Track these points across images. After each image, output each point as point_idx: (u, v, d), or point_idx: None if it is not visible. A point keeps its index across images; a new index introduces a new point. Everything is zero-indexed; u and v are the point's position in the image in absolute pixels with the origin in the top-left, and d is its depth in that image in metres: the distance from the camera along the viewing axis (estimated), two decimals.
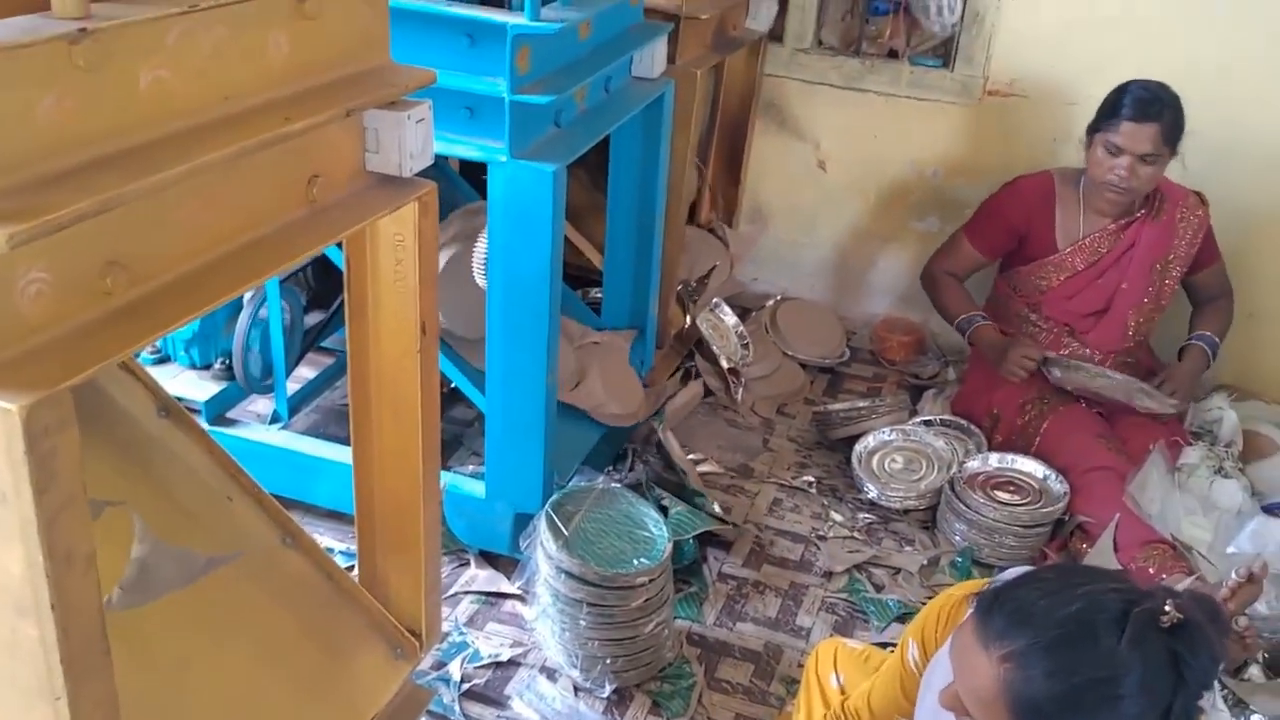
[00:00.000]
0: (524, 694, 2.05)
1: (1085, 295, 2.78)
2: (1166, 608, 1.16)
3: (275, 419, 2.53)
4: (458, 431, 2.82)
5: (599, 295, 2.85)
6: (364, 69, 1.36)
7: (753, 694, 2.11)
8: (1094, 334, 2.80)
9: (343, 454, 2.19)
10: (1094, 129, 2.65)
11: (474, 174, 2.71)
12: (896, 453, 2.79)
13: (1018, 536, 2.48)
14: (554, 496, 2.15)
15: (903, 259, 3.48)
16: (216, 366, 2.50)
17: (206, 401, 2.43)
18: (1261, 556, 2.22)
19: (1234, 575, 2.03)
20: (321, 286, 2.81)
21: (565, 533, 2.06)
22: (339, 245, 1.48)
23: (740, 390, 3.07)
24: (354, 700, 1.68)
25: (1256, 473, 2.76)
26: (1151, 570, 2.33)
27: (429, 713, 1.94)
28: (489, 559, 2.36)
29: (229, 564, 1.61)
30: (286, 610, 1.67)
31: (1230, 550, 2.43)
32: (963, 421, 2.88)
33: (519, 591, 2.25)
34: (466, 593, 2.28)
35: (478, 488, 2.30)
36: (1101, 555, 2.38)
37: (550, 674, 2.09)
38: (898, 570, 2.47)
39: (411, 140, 1.39)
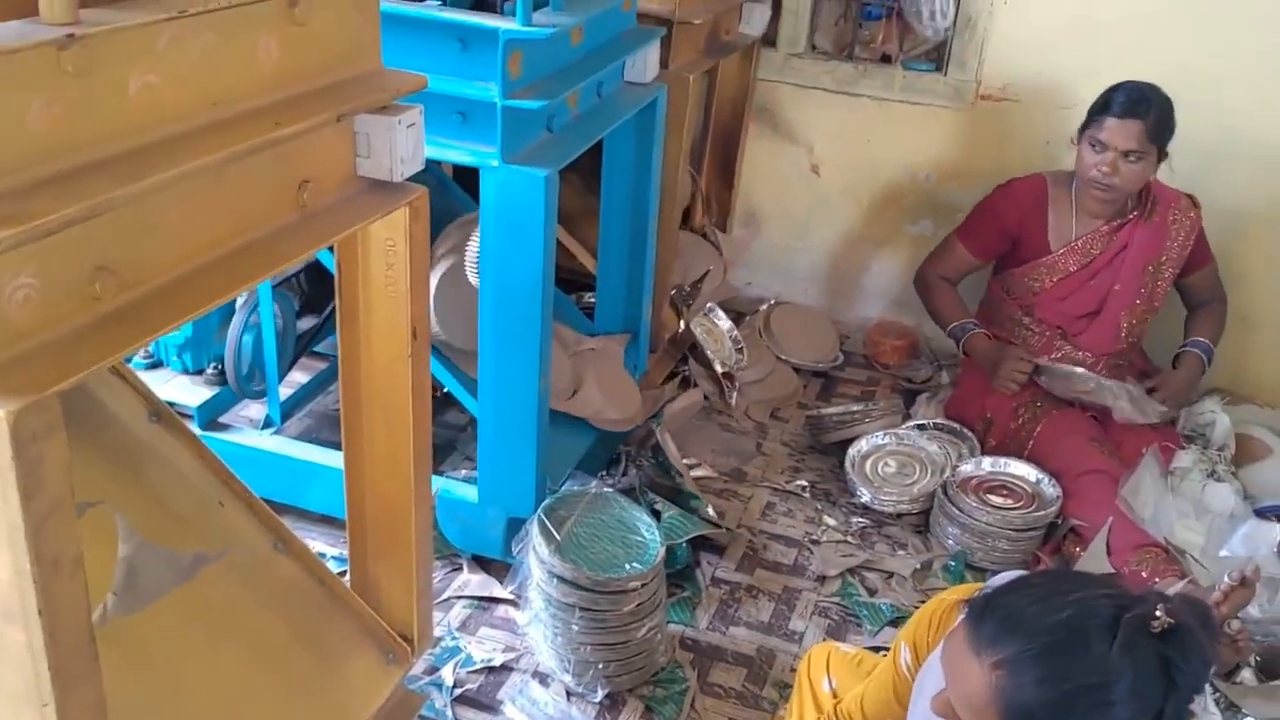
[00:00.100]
0: (516, 699, 2.04)
1: (1078, 297, 2.78)
2: (1157, 613, 1.16)
3: (268, 424, 2.53)
4: (451, 436, 2.82)
5: (593, 300, 2.85)
6: (355, 74, 1.36)
7: (745, 699, 2.11)
8: (1086, 336, 2.81)
9: (335, 459, 2.17)
10: (1083, 128, 2.67)
11: (468, 179, 2.71)
12: (890, 457, 2.79)
13: (1011, 540, 2.49)
14: (546, 501, 2.15)
15: (896, 263, 3.48)
16: (209, 371, 2.50)
17: (199, 406, 2.43)
18: (1254, 560, 2.23)
19: (1226, 579, 2.04)
20: (314, 291, 2.81)
21: (557, 537, 2.06)
22: (331, 250, 1.48)
23: (734, 394, 3.07)
24: (345, 705, 1.68)
25: (1249, 476, 2.77)
26: (1144, 574, 2.33)
27: (421, 718, 1.93)
28: (481, 563, 2.36)
29: (220, 569, 1.61)
30: (278, 615, 1.66)
31: (1223, 554, 2.43)
32: (956, 425, 2.88)
33: (511, 596, 2.25)
34: (459, 597, 2.28)
35: (470, 492, 2.30)
36: (1094, 559, 2.38)
37: (543, 679, 2.09)
38: (891, 574, 2.47)
39: (402, 145, 1.39)
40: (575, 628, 2.01)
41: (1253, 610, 2.24)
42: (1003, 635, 1.18)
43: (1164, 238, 2.75)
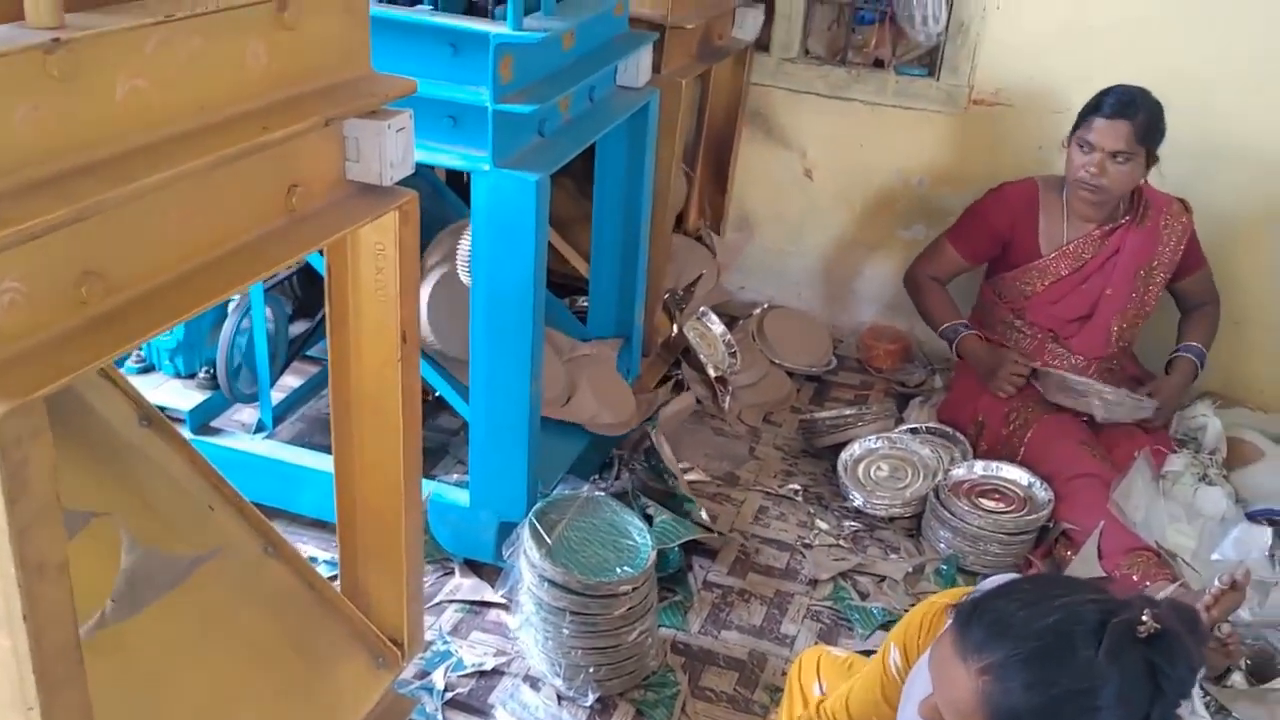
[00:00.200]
0: (507, 703, 2.04)
1: (1069, 301, 2.79)
2: (1144, 618, 1.16)
3: (260, 428, 2.52)
4: (443, 440, 2.82)
5: (586, 304, 2.85)
6: (344, 78, 1.36)
7: (736, 702, 2.11)
8: (1077, 340, 2.81)
9: (327, 463, 2.17)
10: (1073, 130, 2.68)
11: (462, 184, 2.71)
12: (882, 460, 2.79)
13: (1002, 544, 2.49)
14: (537, 505, 2.15)
15: (889, 267, 3.48)
16: (201, 375, 2.49)
17: (191, 410, 2.43)
18: (1244, 563, 2.23)
19: (1216, 582, 2.04)
20: (307, 295, 2.82)
21: (548, 541, 2.06)
22: (322, 254, 1.49)
23: (727, 398, 3.08)
24: (335, 709, 1.68)
25: (1241, 479, 2.77)
26: (1135, 577, 2.34)
27: None
28: (473, 567, 2.36)
29: (210, 574, 1.61)
30: (267, 620, 1.66)
31: (1214, 557, 2.44)
32: (948, 429, 2.89)
33: (503, 600, 2.25)
34: (451, 601, 2.28)
35: (462, 496, 2.30)
36: (1086, 562, 2.39)
37: (534, 683, 2.09)
38: (883, 578, 2.47)
39: (392, 149, 1.39)
40: (566, 631, 2.01)
41: (1243, 614, 2.24)
42: (989, 640, 1.18)
43: (1156, 242, 2.76)
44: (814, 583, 2.44)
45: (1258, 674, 2.16)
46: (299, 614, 1.70)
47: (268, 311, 2.40)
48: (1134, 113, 2.58)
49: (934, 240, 3.01)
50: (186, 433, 2.39)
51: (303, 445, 2.56)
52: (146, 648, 1.49)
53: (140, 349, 2.50)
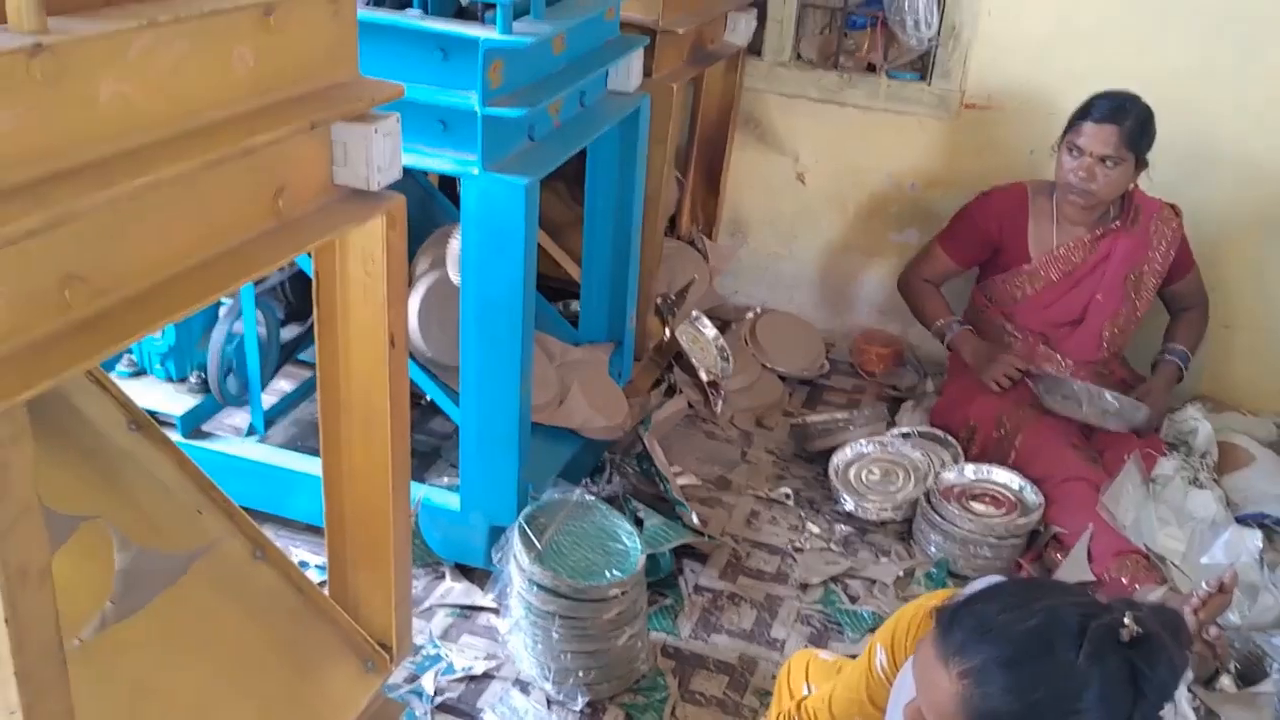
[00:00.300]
0: (497, 707, 2.04)
1: (1060, 305, 2.80)
2: (1125, 621, 1.17)
3: (251, 432, 2.52)
4: (436, 444, 2.82)
5: (579, 308, 2.85)
6: (331, 83, 1.36)
7: (726, 706, 2.11)
8: (1068, 344, 2.82)
9: (318, 467, 2.17)
10: (1063, 134, 2.69)
11: (454, 189, 2.71)
12: (874, 464, 2.79)
13: (992, 548, 2.49)
14: (527, 509, 2.15)
15: (882, 271, 3.49)
16: (192, 380, 2.49)
17: (182, 415, 2.43)
18: (1232, 567, 2.23)
19: (1204, 585, 2.05)
20: (299, 299, 2.81)
21: (538, 545, 2.06)
22: (311, 257, 1.49)
23: (719, 402, 3.08)
24: (324, 714, 1.67)
25: (1232, 483, 2.78)
26: (1125, 580, 2.34)
27: None
28: (464, 571, 2.36)
29: (198, 578, 1.61)
30: (256, 624, 1.66)
31: (1204, 560, 2.44)
32: (940, 433, 2.89)
33: (493, 604, 2.25)
34: (441, 605, 2.28)
35: (453, 500, 2.30)
36: (1075, 566, 2.39)
37: (523, 687, 2.09)
38: (873, 582, 2.47)
39: (379, 153, 1.39)
40: (556, 635, 2.01)
41: (1232, 617, 2.25)
42: (970, 643, 1.19)
43: (1146, 247, 2.76)
44: (804, 586, 2.45)
45: (1246, 677, 2.16)
46: (287, 618, 1.70)
47: (259, 315, 2.40)
48: (1123, 118, 2.60)
49: (926, 245, 3.03)
50: (178, 437, 2.39)
51: (295, 449, 2.56)
52: (133, 652, 1.48)
53: (132, 353, 2.50)
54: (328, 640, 1.72)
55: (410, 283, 2.38)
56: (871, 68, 3.32)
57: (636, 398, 2.86)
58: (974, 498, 2.61)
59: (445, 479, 2.61)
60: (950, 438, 2.86)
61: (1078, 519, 2.48)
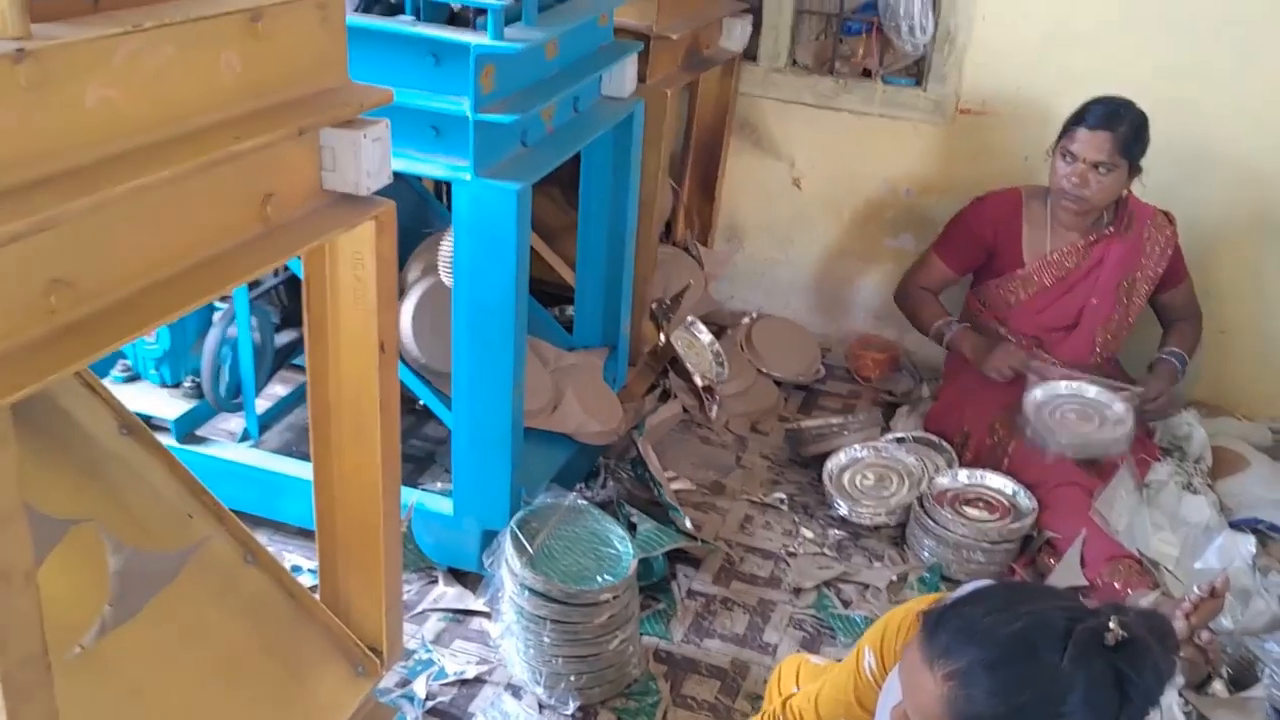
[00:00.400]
0: (488, 711, 2.05)
1: (1053, 310, 2.80)
2: (1110, 625, 1.17)
3: (245, 437, 2.53)
4: (431, 449, 2.83)
5: (574, 313, 2.85)
6: (319, 88, 1.37)
7: (718, 711, 2.11)
8: (1061, 348, 2.82)
9: (311, 472, 2.18)
10: (1058, 140, 2.69)
11: (450, 195, 2.71)
12: (868, 469, 2.79)
13: (985, 552, 2.49)
14: (519, 513, 2.15)
15: (877, 277, 3.50)
16: (187, 385, 2.50)
17: (176, 419, 2.43)
18: (1224, 572, 2.24)
19: (1195, 590, 2.05)
20: (294, 304, 2.81)
21: (530, 549, 2.06)
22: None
23: (714, 408, 3.08)
24: (314, 718, 1.67)
25: (1226, 488, 2.78)
26: (1117, 585, 2.34)
27: None
28: (457, 576, 2.36)
29: (188, 582, 1.61)
30: (247, 628, 1.67)
31: (1198, 565, 2.44)
32: (934, 438, 2.89)
33: (485, 609, 2.25)
34: (434, 610, 2.28)
35: (446, 505, 2.30)
36: (1068, 570, 2.39)
37: (515, 691, 2.09)
38: (866, 586, 2.47)
39: (368, 159, 1.40)
40: (547, 640, 2.01)
41: (1225, 621, 2.25)
42: (955, 646, 1.19)
43: (1139, 254, 2.77)
44: (797, 591, 2.45)
45: (1238, 682, 2.16)
46: (278, 622, 1.70)
47: (253, 320, 2.40)
48: (1117, 124, 2.60)
49: (921, 255, 3.03)
50: (172, 442, 2.39)
51: (290, 454, 2.57)
52: (124, 656, 1.49)
53: (126, 358, 2.50)
54: (318, 644, 1.72)
55: (404, 289, 2.38)
56: (867, 73, 3.33)
57: (631, 403, 2.87)
58: (967, 502, 2.62)
59: (439, 484, 2.61)
60: (944, 443, 2.86)
61: (1071, 524, 2.48)
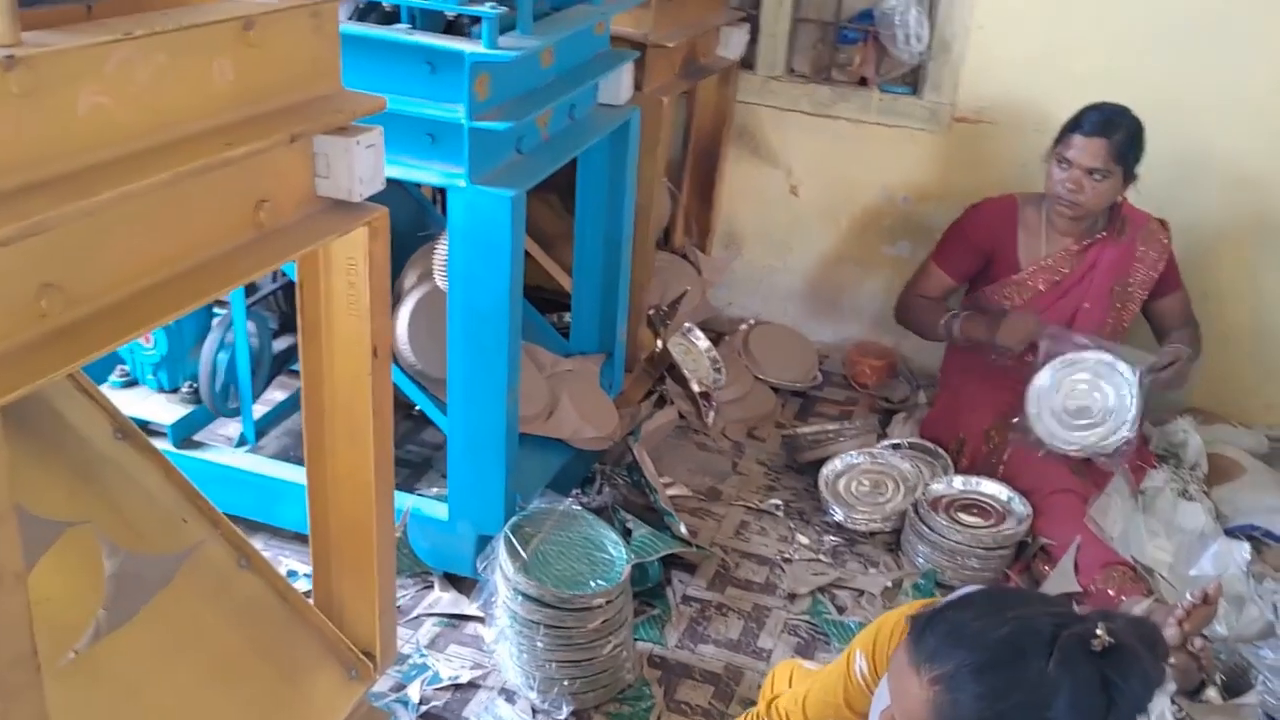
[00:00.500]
0: (482, 716, 2.05)
1: (1048, 316, 2.79)
2: (1097, 631, 1.17)
3: (242, 442, 2.53)
4: (428, 455, 2.83)
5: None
6: (313, 95, 1.38)
7: (711, 716, 2.11)
8: None
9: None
10: (1054, 146, 2.70)
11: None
12: (863, 476, 2.80)
13: (980, 558, 2.50)
14: (513, 518, 2.16)
15: (875, 284, 3.50)
16: (184, 390, 2.50)
17: (173, 424, 2.44)
18: (1217, 578, 2.24)
19: (1188, 597, 2.04)
20: (292, 310, 2.82)
21: (524, 554, 2.07)
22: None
23: (711, 414, 3.09)
24: None
25: (1223, 495, 2.78)
26: (1111, 592, 2.35)
27: None
28: (453, 581, 2.37)
29: (182, 586, 1.62)
30: (240, 632, 1.67)
31: (1192, 573, 2.44)
32: (930, 445, 2.89)
33: (479, 613, 2.26)
34: (429, 615, 2.29)
35: (441, 510, 2.31)
36: (1062, 577, 2.40)
37: (509, 696, 2.10)
38: (861, 593, 2.48)
39: (361, 165, 1.41)
40: (540, 645, 2.02)
41: (1219, 628, 2.25)
42: (942, 650, 1.19)
43: (1131, 259, 2.78)
44: (792, 597, 2.45)
45: (1231, 689, 2.16)
46: (272, 626, 1.71)
47: (251, 326, 2.41)
48: (1112, 131, 2.61)
49: (920, 266, 3.02)
50: (169, 446, 2.40)
51: (287, 459, 2.57)
52: (116, 659, 1.50)
53: (124, 363, 2.51)
54: (311, 648, 1.73)
55: (400, 295, 2.39)
56: (864, 81, 3.34)
57: (627, 408, 2.87)
58: (962, 509, 2.62)
59: (435, 489, 2.62)
60: (940, 450, 2.87)
61: (1065, 531, 2.48)
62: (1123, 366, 2.59)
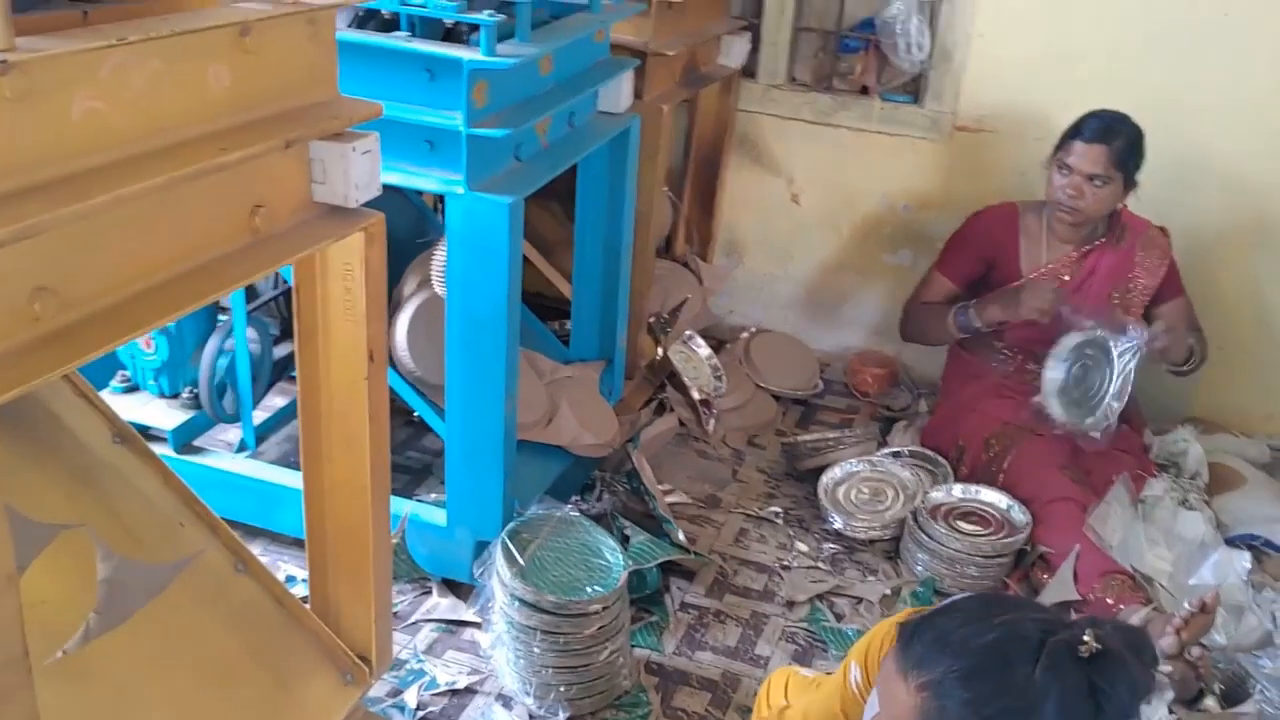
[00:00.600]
0: None
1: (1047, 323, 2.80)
2: (1085, 637, 1.17)
3: (242, 447, 2.54)
4: (428, 461, 2.84)
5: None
6: (308, 102, 1.39)
7: None
8: None
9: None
10: (1054, 152, 2.71)
11: None
12: (863, 483, 2.80)
13: (979, 567, 2.49)
14: (511, 524, 2.16)
15: (876, 292, 3.51)
16: (185, 395, 2.51)
17: (174, 430, 2.45)
18: (1215, 587, 2.24)
19: (1186, 606, 2.05)
20: (293, 316, 2.83)
21: (520, 560, 2.07)
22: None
23: (711, 421, 3.09)
24: None
25: (1222, 505, 2.77)
26: (1110, 601, 2.34)
27: None
28: (451, 587, 2.37)
29: (179, 590, 1.63)
30: (236, 636, 1.68)
31: (1192, 582, 2.44)
32: (930, 453, 2.89)
33: (477, 619, 2.26)
34: (427, 620, 2.29)
35: (439, 516, 2.31)
36: (1061, 585, 2.39)
37: (505, 702, 2.10)
38: (859, 600, 2.48)
39: (358, 171, 1.42)
40: (537, 650, 2.02)
41: (1218, 637, 2.25)
42: (929, 656, 1.19)
43: (1130, 265, 2.78)
44: (791, 604, 2.45)
45: (1229, 698, 2.15)
46: (268, 631, 1.72)
47: (252, 332, 2.42)
48: (1113, 138, 2.61)
49: (923, 277, 3.01)
50: (169, 452, 2.41)
51: (287, 465, 2.58)
52: (113, 661, 1.50)
53: (125, 368, 2.52)
54: (307, 652, 1.73)
55: (399, 302, 2.40)
56: (865, 90, 3.35)
57: (627, 415, 2.88)
58: (962, 517, 2.62)
59: (435, 495, 2.63)
60: (940, 458, 2.87)
61: (1065, 539, 2.48)
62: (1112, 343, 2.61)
